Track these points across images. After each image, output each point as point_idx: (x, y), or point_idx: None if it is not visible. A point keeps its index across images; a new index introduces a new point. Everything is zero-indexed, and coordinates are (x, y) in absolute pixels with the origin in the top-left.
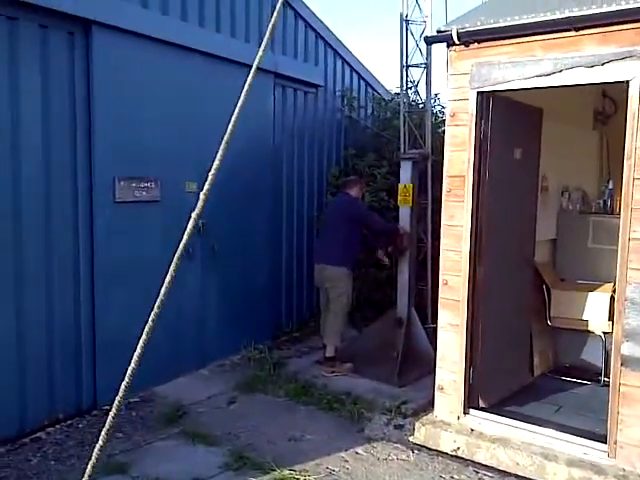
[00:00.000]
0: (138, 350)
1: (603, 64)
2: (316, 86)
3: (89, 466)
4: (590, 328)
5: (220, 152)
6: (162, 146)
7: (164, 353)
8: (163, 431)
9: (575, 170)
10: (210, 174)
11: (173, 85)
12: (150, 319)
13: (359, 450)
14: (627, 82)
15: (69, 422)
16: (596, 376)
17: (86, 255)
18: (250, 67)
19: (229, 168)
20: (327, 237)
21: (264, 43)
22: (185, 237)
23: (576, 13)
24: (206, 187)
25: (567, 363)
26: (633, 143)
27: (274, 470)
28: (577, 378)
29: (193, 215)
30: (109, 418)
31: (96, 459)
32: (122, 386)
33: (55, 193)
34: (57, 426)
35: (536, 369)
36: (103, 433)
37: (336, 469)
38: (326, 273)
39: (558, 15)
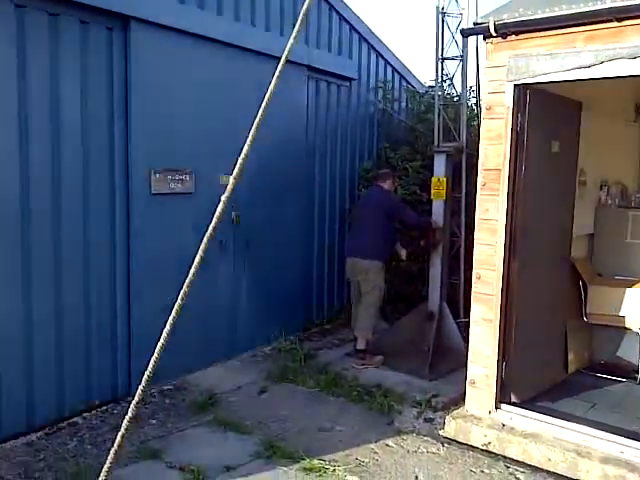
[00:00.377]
0: (161, 340)
1: None
2: (350, 79)
3: (111, 452)
4: (627, 325)
5: (250, 137)
6: (196, 140)
7: (196, 343)
8: (195, 418)
9: (614, 164)
10: (240, 158)
11: (208, 79)
12: (175, 307)
13: (389, 442)
14: None
15: (104, 408)
16: (632, 374)
17: (122, 245)
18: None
19: (262, 161)
20: (360, 230)
21: (294, 32)
22: (214, 220)
23: (618, 3)
24: (236, 171)
25: (603, 360)
26: None
27: (304, 459)
28: (612, 375)
29: (222, 198)
30: (131, 406)
31: (119, 446)
32: (145, 375)
33: (93, 185)
34: (93, 411)
35: (571, 365)
36: (125, 421)
37: (365, 460)
38: (359, 267)
39: (600, 6)
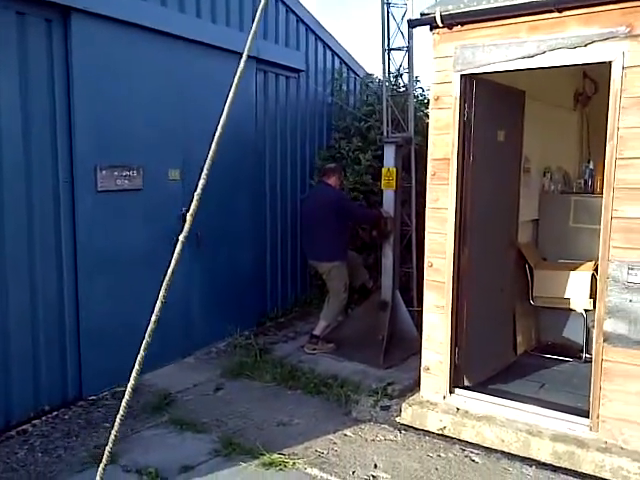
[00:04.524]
0: (147, 338)
1: (586, 45)
2: (298, 71)
3: (104, 458)
4: (572, 306)
5: (213, 148)
6: (144, 134)
7: (150, 342)
8: (151, 420)
9: (556, 151)
10: (202, 175)
11: (152, 72)
12: (155, 310)
13: (347, 432)
14: (609, 63)
15: (55, 413)
16: (578, 353)
17: (68, 245)
18: (231, 52)
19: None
20: (314, 233)
21: (252, 31)
22: (181, 238)
23: None
24: (199, 187)
25: (549, 341)
26: (615, 124)
27: (263, 455)
28: (559, 355)
29: (180, 238)
30: (122, 404)
31: (110, 450)
32: (133, 373)
33: (35, 183)
34: (43, 418)
35: (519, 348)
36: (117, 422)
37: (325, 451)
38: (320, 269)
39: None
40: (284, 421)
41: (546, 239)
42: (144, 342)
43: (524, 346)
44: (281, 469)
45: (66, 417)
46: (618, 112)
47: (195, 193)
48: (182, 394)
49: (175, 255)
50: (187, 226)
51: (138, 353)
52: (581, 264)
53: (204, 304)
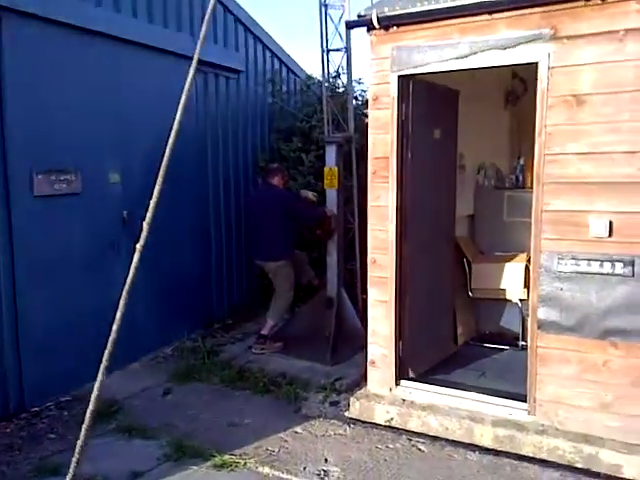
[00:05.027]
0: (108, 347)
1: (514, 46)
2: (237, 71)
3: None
4: (508, 296)
5: (164, 162)
6: (82, 137)
7: (94, 350)
8: (98, 428)
9: (489, 148)
10: (153, 198)
11: (88, 74)
12: (117, 318)
13: (297, 429)
14: (536, 63)
15: None
16: (515, 341)
17: (5, 253)
18: (168, 52)
19: (150, 158)
20: (260, 233)
21: (201, 37)
22: (132, 270)
23: None
24: (148, 216)
25: (488, 331)
26: (542, 121)
27: (214, 456)
28: (498, 344)
29: (138, 247)
30: (87, 414)
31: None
32: (96, 383)
33: None
34: None
35: (460, 338)
36: (83, 432)
37: (276, 449)
38: (267, 268)
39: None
40: (234, 422)
41: (482, 233)
42: (106, 352)
43: (465, 337)
44: (232, 470)
45: (8, 430)
46: (545, 110)
47: (144, 223)
48: (129, 400)
49: (133, 265)
50: (136, 257)
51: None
52: (515, 256)
53: (148, 309)
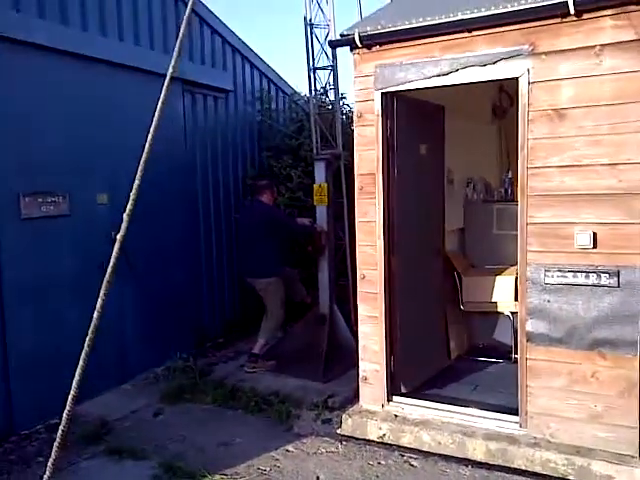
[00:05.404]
0: (80, 363)
1: (494, 62)
2: (226, 91)
3: None
4: (499, 309)
5: (139, 172)
6: (70, 159)
7: (83, 372)
8: (87, 450)
9: (478, 162)
10: (131, 196)
11: (77, 96)
12: (89, 335)
13: (289, 447)
14: (517, 79)
15: None
16: (507, 354)
17: None
18: (156, 74)
19: (142, 177)
20: (251, 250)
21: (175, 54)
22: (113, 260)
23: (468, 15)
24: (128, 207)
25: (481, 344)
26: (525, 135)
27: (205, 477)
28: (491, 357)
29: (118, 237)
30: (58, 435)
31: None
32: (68, 402)
33: None
34: None
35: (453, 352)
36: (53, 453)
37: (267, 468)
38: (257, 285)
39: (452, 18)
40: (225, 441)
41: (472, 247)
42: (78, 367)
43: (457, 351)
44: None
45: None
46: (527, 124)
47: (124, 214)
48: (120, 422)
49: (105, 279)
50: (117, 247)
51: (72, 381)
52: (505, 269)
53: (139, 329)
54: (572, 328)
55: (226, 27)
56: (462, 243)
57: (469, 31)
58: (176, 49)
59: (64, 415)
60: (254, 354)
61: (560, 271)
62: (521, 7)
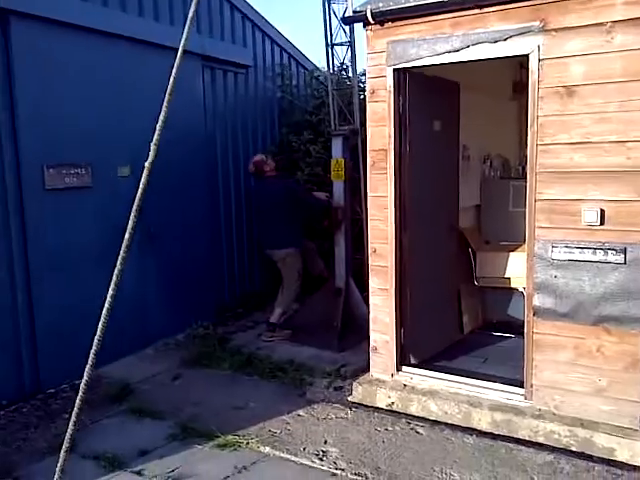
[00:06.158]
0: (98, 333)
1: (505, 39)
2: (246, 67)
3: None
4: (513, 285)
5: (158, 126)
6: (92, 132)
7: (108, 334)
8: (109, 409)
9: (496, 139)
10: (157, 127)
11: (100, 71)
12: (107, 299)
13: (300, 412)
14: (527, 56)
15: (13, 407)
16: (520, 329)
17: (19, 244)
18: (176, 50)
19: (163, 150)
20: (267, 222)
21: (187, 25)
22: (140, 188)
23: None
24: (155, 137)
25: (495, 319)
26: (535, 112)
27: (218, 437)
28: (504, 332)
29: (146, 164)
30: (78, 398)
31: (69, 441)
32: (87, 367)
33: None
34: (1, 412)
35: (466, 327)
36: (74, 414)
37: (278, 431)
38: (275, 256)
39: None
40: (240, 405)
41: (488, 223)
42: (98, 330)
43: (471, 325)
44: (235, 449)
45: (24, 410)
46: (537, 101)
47: (152, 144)
48: (140, 384)
49: (141, 187)
50: (145, 174)
51: (90, 346)
52: (520, 245)
53: (161, 297)
54: (578, 303)
55: (246, 3)
56: (478, 220)
57: (480, 7)
58: (189, 19)
59: (86, 370)
60: (271, 323)
61: (567, 247)
62: None
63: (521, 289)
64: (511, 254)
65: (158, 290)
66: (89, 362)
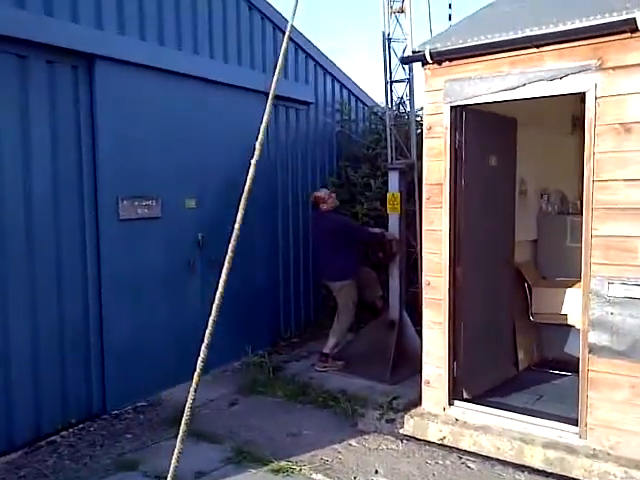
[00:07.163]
0: (201, 355)
1: (562, 77)
2: (307, 103)
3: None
4: (570, 322)
5: (247, 183)
6: (162, 167)
7: (169, 361)
8: (169, 431)
9: (554, 173)
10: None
11: (171, 109)
12: (210, 321)
13: (352, 442)
14: (584, 94)
15: (81, 426)
16: (577, 367)
17: (93, 270)
18: (240, 88)
19: (223, 185)
20: (323, 255)
21: (275, 76)
22: (246, 188)
23: (536, 32)
24: (260, 137)
25: (551, 356)
26: (591, 148)
27: (272, 462)
28: (561, 370)
29: (252, 162)
30: (184, 416)
31: (177, 458)
32: (191, 389)
33: (63, 213)
34: (70, 430)
35: (521, 363)
36: (181, 432)
37: (329, 459)
38: (331, 287)
39: (520, 34)
40: (293, 432)
41: (545, 258)
42: (201, 352)
43: (526, 362)
44: (288, 475)
45: (91, 429)
46: (593, 138)
47: (252, 161)
48: (199, 409)
49: (222, 278)
50: (251, 170)
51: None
52: (577, 281)
53: (220, 325)
54: (635, 341)
55: (310, 43)
56: (534, 254)
57: (537, 47)
58: (276, 74)
59: (189, 397)
60: (325, 354)
61: (624, 284)
62: (590, 24)
63: (578, 326)
64: (568, 290)
65: (219, 317)
66: (193, 385)
